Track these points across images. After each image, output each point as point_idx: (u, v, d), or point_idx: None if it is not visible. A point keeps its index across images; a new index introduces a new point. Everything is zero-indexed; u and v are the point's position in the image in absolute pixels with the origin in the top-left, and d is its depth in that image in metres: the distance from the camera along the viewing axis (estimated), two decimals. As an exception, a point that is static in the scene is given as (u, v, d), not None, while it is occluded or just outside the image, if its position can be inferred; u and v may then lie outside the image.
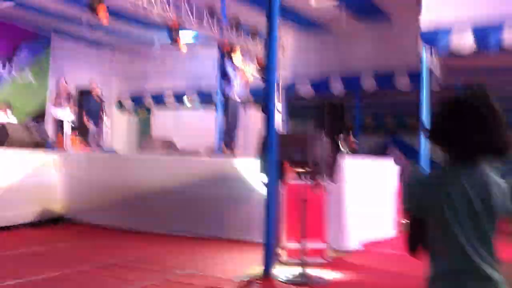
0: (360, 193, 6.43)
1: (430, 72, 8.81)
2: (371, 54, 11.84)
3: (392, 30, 11.50)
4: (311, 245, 4.96)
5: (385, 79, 11.93)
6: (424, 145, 7.68)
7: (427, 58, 8.45)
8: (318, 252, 5.23)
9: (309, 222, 4.75)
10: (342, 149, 11.59)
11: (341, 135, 12.57)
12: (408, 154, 12.79)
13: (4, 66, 12.44)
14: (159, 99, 14.88)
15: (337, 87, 12.54)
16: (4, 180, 6.77)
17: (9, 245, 5.93)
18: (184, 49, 9.88)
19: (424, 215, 1.64)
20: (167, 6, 9.26)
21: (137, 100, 15.39)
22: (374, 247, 6.37)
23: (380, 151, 13.70)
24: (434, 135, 1.71)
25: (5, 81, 12.50)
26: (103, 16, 8.04)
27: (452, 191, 1.58)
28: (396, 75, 11.71)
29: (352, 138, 12.41)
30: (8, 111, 10.96)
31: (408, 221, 1.71)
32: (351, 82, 12.36)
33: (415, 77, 10.75)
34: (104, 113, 11.23)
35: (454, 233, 1.57)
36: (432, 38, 7.90)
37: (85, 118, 11.09)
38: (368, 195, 6.74)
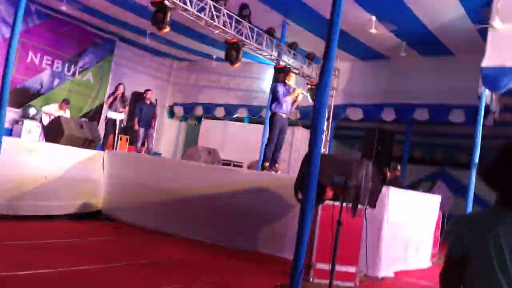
0: (399, 222, 6.24)
1: (486, 107, 8.56)
2: (427, 85, 11.59)
3: (452, 64, 11.25)
4: (342, 268, 4.84)
5: (439, 111, 11.61)
6: (473, 182, 7.39)
7: (486, 95, 8.24)
8: (348, 276, 5.09)
9: (342, 245, 4.62)
10: (387, 177, 11.37)
11: (388, 163, 12.35)
12: (455, 189, 12.32)
13: (69, 67, 13.09)
14: (209, 110, 15.16)
15: (389, 115, 12.32)
16: (53, 172, 7.03)
17: (48, 234, 6.12)
18: (236, 66, 9.99)
19: (465, 257, 1.52)
20: (228, 23, 9.43)
21: (189, 109, 15.73)
22: (406, 276, 6.17)
23: (426, 183, 13.26)
24: (488, 176, 1.62)
25: (67, 79, 13.12)
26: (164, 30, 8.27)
27: (502, 235, 1.45)
28: (450, 108, 11.37)
29: (398, 167, 12.12)
30: (66, 108, 11.47)
31: (446, 261, 1.61)
32: (404, 111, 12.11)
33: (470, 111, 10.47)
34: (155, 119, 11.50)
35: (498, 282, 1.43)
36: (494, 77, 7.76)
37: (136, 122, 11.40)
38: (407, 225, 6.54)
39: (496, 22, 7.80)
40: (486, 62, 7.82)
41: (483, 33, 8.18)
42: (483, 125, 7.96)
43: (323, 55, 4.89)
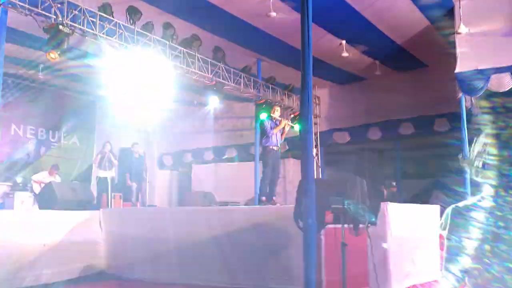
0: (403, 236, 6.23)
1: (468, 112, 8.72)
2: (407, 99, 11.80)
3: (427, 75, 11.50)
4: (354, 290, 4.79)
5: (423, 123, 11.78)
6: (468, 185, 7.46)
7: (466, 100, 8.41)
8: (361, 298, 5.03)
9: (351, 266, 4.60)
10: (384, 195, 11.41)
11: (382, 181, 12.41)
12: (452, 196, 12.34)
13: (54, 134, 13.14)
14: (198, 155, 15.20)
15: (375, 134, 12.47)
16: (51, 239, 6.95)
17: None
18: (217, 106, 10.14)
19: None
20: (204, 68, 9.62)
21: (178, 157, 15.74)
22: (418, 291, 6.11)
23: (423, 196, 13.29)
24: None
25: (53, 146, 13.14)
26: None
27: None
28: (434, 118, 11.55)
29: (394, 184, 12.18)
30: (56, 174, 11.43)
31: None
32: (389, 128, 12.28)
33: (453, 118, 10.65)
34: (146, 171, 11.50)
35: None
36: (469, 81, 7.96)
37: (128, 177, 11.38)
38: (412, 238, 6.52)
39: (461, 28, 8.06)
40: (459, 68, 8.03)
41: (452, 41, 8.43)
42: (468, 129, 8.09)
43: (301, 84, 5.03)
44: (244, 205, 10.90)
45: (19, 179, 11.98)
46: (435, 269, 7.10)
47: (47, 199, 7.76)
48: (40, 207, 8.06)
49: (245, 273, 6.49)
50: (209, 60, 9.80)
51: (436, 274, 7.03)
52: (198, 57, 9.48)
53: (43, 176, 11.30)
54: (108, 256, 7.69)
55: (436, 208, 7.90)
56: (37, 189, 10.90)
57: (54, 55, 7.07)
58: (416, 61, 11.14)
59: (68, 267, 7.06)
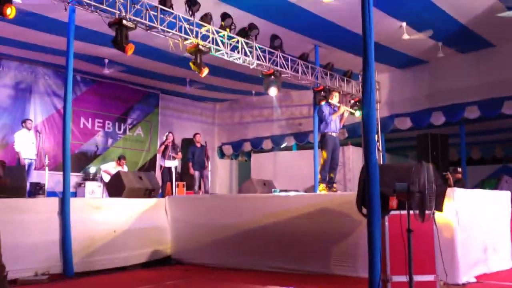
0: (472, 224, 5.96)
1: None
2: (473, 81, 11.25)
3: (494, 55, 10.90)
4: (420, 278, 4.63)
5: (490, 106, 11.17)
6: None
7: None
8: (427, 286, 4.85)
9: (416, 254, 4.45)
10: (450, 181, 10.97)
11: (447, 168, 11.92)
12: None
13: (120, 126, 13.67)
14: (257, 144, 15.30)
15: (438, 119, 11.99)
16: (120, 225, 7.24)
17: (124, 285, 6.25)
18: (273, 93, 10.06)
19: None
20: (262, 57, 9.59)
21: (237, 146, 15.94)
22: (488, 279, 5.82)
23: (491, 182, 12.67)
24: None
25: (119, 138, 13.69)
26: (203, 72, 8.50)
27: None
28: (502, 101, 10.93)
29: (459, 170, 11.69)
30: (124, 164, 11.89)
31: None
32: (453, 112, 11.75)
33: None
34: (208, 159, 11.70)
35: None
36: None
37: (190, 166, 11.63)
38: (481, 226, 6.22)
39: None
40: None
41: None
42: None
43: (363, 68, 4.88)
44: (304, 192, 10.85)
45: (89, 169, 12.59)
46: (507, 257, 6.75)
47: (115, 188, 8.07)
48: (110, 195, 8.40)
49: (308, 259, 6.46)
50: (267, 48, 9.76)
51: (509, 263, 6.69)
52: (255, 46, 9.47)
53: (112, 166, 11.80)
54: (174, 242, 7.92)
55: (506, 194, 7.50)
56: (106, 178, 11.39)
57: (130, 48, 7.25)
58: (482, 41, 10.56)
59: (137, 252, 7.34)
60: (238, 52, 9.16)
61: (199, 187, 11.52)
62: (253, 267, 6.84)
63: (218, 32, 8.78)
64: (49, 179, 9.73)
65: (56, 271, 6.29)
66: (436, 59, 11.21)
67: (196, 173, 11.56)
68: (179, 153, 11.74)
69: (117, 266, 6.98)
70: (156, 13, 7.74)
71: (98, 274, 6.64)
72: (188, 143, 13.35)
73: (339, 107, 8.97)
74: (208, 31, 8.58)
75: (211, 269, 7.08)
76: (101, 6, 7.04)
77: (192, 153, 11.69)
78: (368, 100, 4.79)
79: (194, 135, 12.07)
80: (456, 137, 13.84)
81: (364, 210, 4.79)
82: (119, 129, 13.81)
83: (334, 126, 8.87)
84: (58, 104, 12.19)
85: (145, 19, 7.63)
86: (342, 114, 9.11)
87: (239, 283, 6.23)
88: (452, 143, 13.38)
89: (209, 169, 11.81)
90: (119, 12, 7.18)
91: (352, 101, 11.51)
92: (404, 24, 9.53)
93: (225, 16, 8.74)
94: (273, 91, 9.87)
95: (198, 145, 11.75)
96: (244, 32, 9.23)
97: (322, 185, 8.74)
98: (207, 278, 6.58)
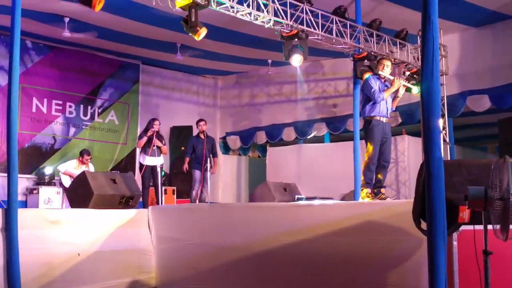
0: None
1: None
2: None
3: None
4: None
5: None
6: None
7: None
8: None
9: (495, 282, 4.45)
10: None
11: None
12: None
13: (85, 110, 13.73)
14: (275, 134, 15.30)
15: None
16: (86, 246, 7.29)
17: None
18: (296, 63, 9.99)
19: None
20: (282, 12, 9.50)
21: (247, 137, 15.97)
22: None
23: None
24: None
25: (85, 126, 13.74)
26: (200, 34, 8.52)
27: None
28: None
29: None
30: (89, 162, 11.98)
31: None
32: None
33: None
34: (212, 157, 11.72)
35: None
36: None
37: (186, 162, 11.70)
38: None
39: None
40: None
41: None
42: None
43: (422, 27, 4.85)
44: (340, 200, 10.86)
45: (43, 170, 12.70)
46: None
47: (79, 195, 8.14)
48: (72, 206, 8.47)
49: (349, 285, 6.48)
50: (289, 0, 9.71)
51: None
52: (272, -3, 9.44)
53: (73, 166, 11.90)
54: (160, 269, 7.98)
55: None
56: (66, 182, 11.49)
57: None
58: None
59: (110, 284, 7.40)
60: (248, 6, 9.14)
61: (201, 193, 11.56)
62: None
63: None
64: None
65: (-1, 308, 6.39)
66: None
67: (197, 173, 11.63)
68: (165, 147, 11.62)
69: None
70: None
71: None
72: (179, 133, 13.41)
73: (393, 81, 8.83)
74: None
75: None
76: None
77: (193, 147, 11.74)
78: (429, 72, 4.77)
79: (198, 122, 12.06)
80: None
81: (424, 225, 4.80)
82: (85, 114, 13.93)
83: (385, 108, 8.76)
84: (1, 80, 12.32)
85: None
86: (397, 92, 8.98)
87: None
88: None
89: (213, 171, 11.88)
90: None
91: (408, 73, 11.42)
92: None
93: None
94: (296, 60, 9.82)
95: (202, 136, 11.77)
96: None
97: (366, 191, 8.71)
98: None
